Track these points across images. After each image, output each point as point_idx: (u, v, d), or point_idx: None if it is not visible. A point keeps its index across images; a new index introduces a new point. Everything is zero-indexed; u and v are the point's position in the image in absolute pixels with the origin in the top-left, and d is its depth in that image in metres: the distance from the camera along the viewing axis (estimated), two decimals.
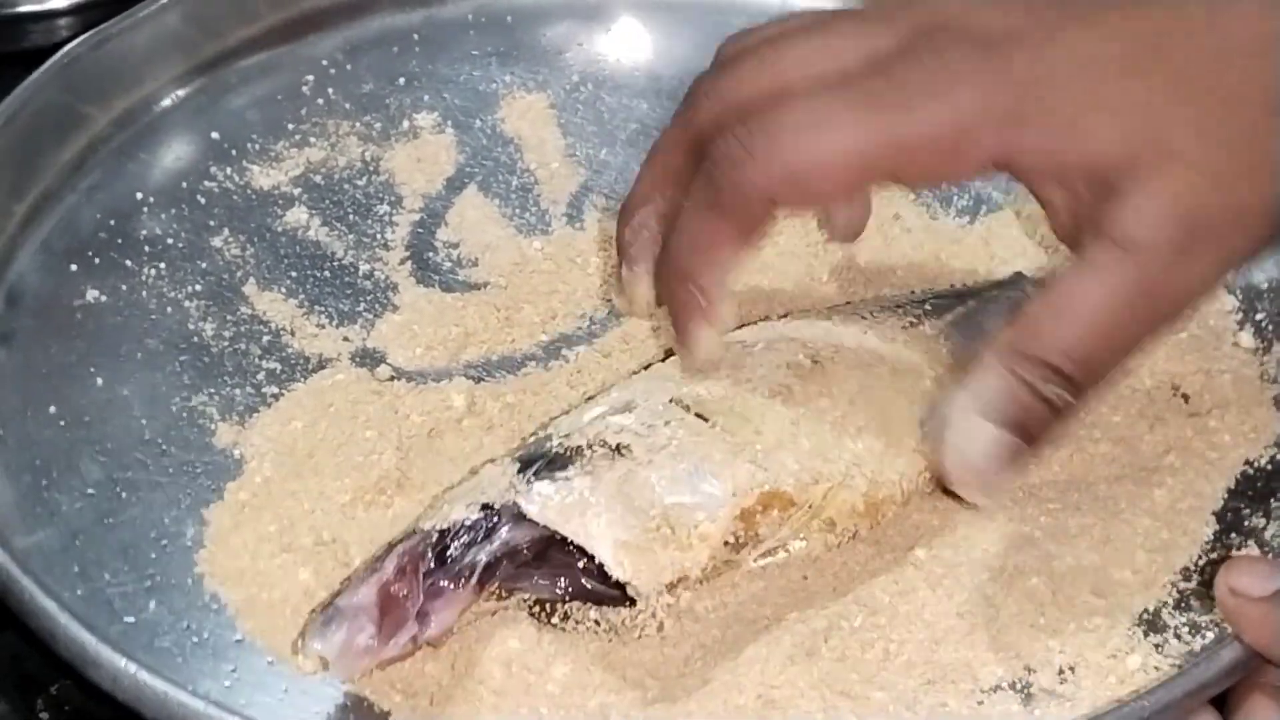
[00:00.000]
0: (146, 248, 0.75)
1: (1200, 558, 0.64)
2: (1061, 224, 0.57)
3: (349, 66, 0.84)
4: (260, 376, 0.71)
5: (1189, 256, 0.55)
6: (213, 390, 0.70)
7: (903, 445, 0.63)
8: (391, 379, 0.71)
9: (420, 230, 0.77)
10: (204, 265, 0.75)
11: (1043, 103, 0.55)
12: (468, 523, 0.58)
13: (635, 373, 0.67)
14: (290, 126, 0.81)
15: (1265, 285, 0.74)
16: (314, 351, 0.72)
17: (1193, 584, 0.63)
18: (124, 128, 0.79)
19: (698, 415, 0.61)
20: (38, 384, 0.69)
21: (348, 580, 0.59)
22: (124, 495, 0.66)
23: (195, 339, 0.72)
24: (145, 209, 0.77)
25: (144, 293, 0.74)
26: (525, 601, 0.60)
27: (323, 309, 0.74)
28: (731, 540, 0.60)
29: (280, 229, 0.77)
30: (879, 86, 0.56)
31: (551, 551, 0.59)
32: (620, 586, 0.59)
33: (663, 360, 0.67)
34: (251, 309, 0.74)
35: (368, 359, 0.72)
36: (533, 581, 0.59)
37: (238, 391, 0.70)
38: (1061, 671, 0.60)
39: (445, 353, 0.72)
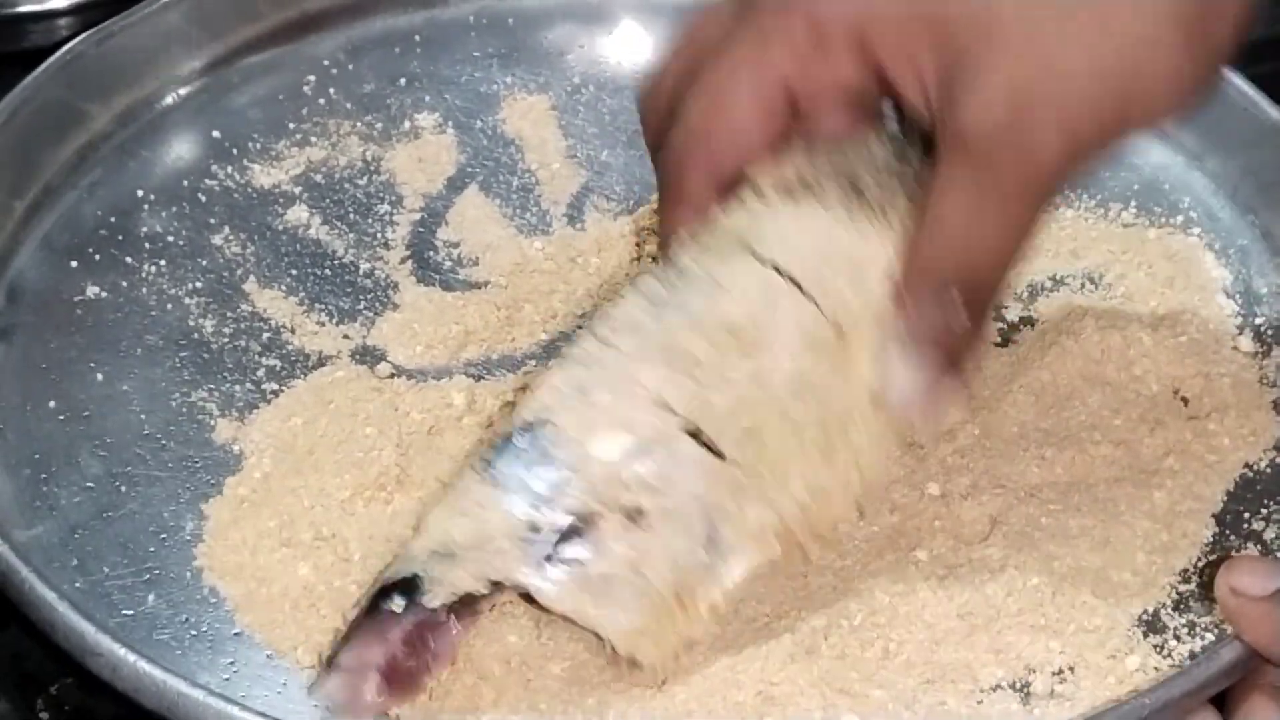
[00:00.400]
0: (147, 245, 0.75)
1: (1199, 560, 0.64)
2: (927, 124, 0.57)
3: (350, 66, 0.84)
4: (260, 373, 0.71)
5: (1023, 136, 0.53)
6: (212, 386, 0.70)
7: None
8: (391, 377, 0.71)
9: (421, 229, 0.77)
10: (204, 263, 0.75)
11: None
12: (476, 594, 0.58)
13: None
14: (291, 126, 0.81)
15: (1265, 290, 0.74)
16: (314, 349, 0.72)
17: (1192, 585, 0.63)
18: (125, 125, 0.79)
19: (711, 451, 0.58)
20: (38, 379, 0.69)
21: (350, 623, 0.59)
22: (123, 490, 0.66)
23: (195, 335, 0.72)
24: (146, 206, 0.77)
25: (144, 289, 0.74)
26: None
27: (323, 307, 0.74)
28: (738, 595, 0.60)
29: (281, 227, 0.77)
30: (740, 27, 0.58)
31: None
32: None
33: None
34: (252, 306, 0.74)
35: (368, 357, 0.72)
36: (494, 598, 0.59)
37: (237, 388, 0.70)
38: (1060, 671, 0.60)
39: (445, 351, 0.72)
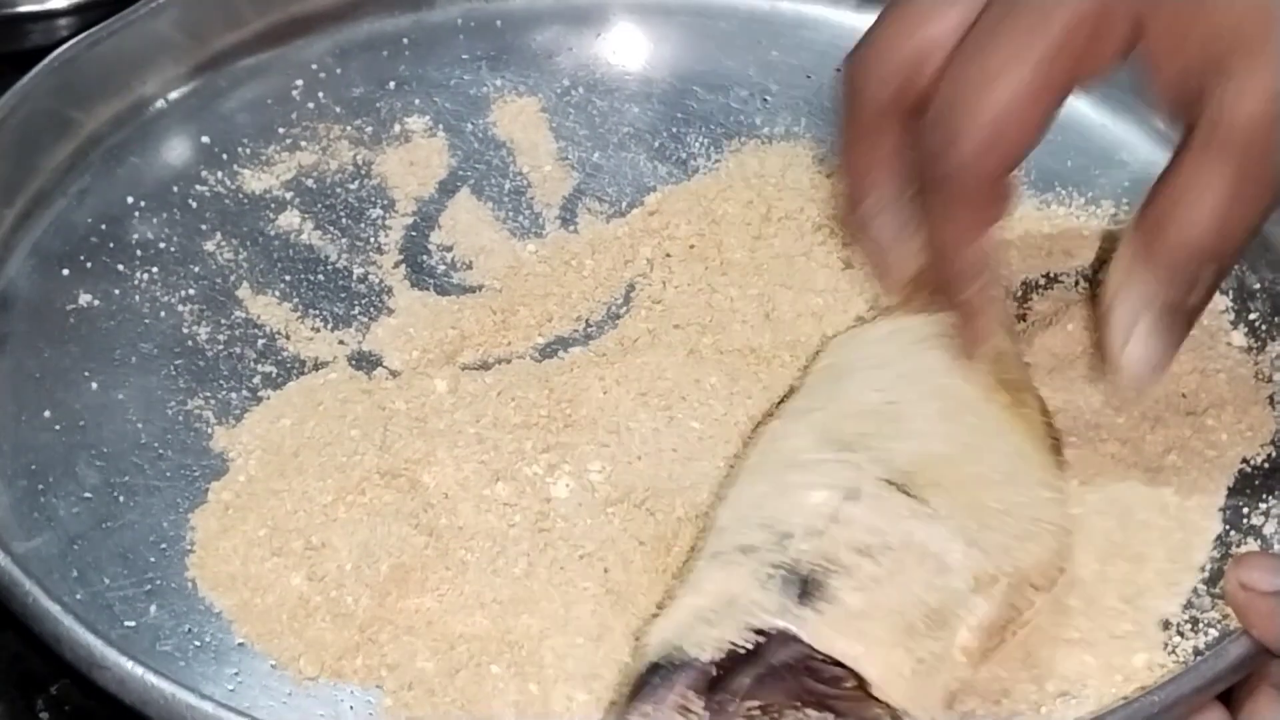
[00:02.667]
0: (139, 252, 0.75)
1: (1214, 556, 0.64)
2: (1173, 99, 0.59)
3: (339, 70, 0.84)
4: (256, 380, 0.71)
5: None
6: (208, 394, 0.70)
7: (1048, 479, 0.63)
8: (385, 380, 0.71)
9: (413, 234, 0.77)
10: (197, 269, 0.75)
11: None
12: (741, 651, 0.55)
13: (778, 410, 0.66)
14: (281, 130, 0.81)
15: (1256, 285, 0.74)
16: (309, 355, 0.72)
17: (1196, 581, 0.63)
18: (114, 132, 0.79)
19: (916, 498, 0.58)
20: (32, 389, 0.69)
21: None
22: (121, 499, 0.66)
23: (189, 343, 0.72)
24: (137, 213, 0.76)
25: (137, 297, 0.73)
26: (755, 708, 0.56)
27: (317, 312, 0.73)
28: (990, 638, 0.59)
29: (273, 233, 0.77)
30: (1009, 14, 0.58)
31: (796, 665, 0.56)
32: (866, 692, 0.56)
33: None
34: (245, 313, 0.73)
35: (363, 362, 0.71)
36: (767, 691, 0.55)
37: (233, 395, 0.70)
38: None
39: (441, 355, 0.72)
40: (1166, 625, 0.62)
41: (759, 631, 0.55)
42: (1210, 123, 0.57)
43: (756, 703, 0.55)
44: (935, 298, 0.64)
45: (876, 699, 0.55)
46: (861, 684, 0.55)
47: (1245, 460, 0.68)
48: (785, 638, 0.55)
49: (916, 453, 0.60)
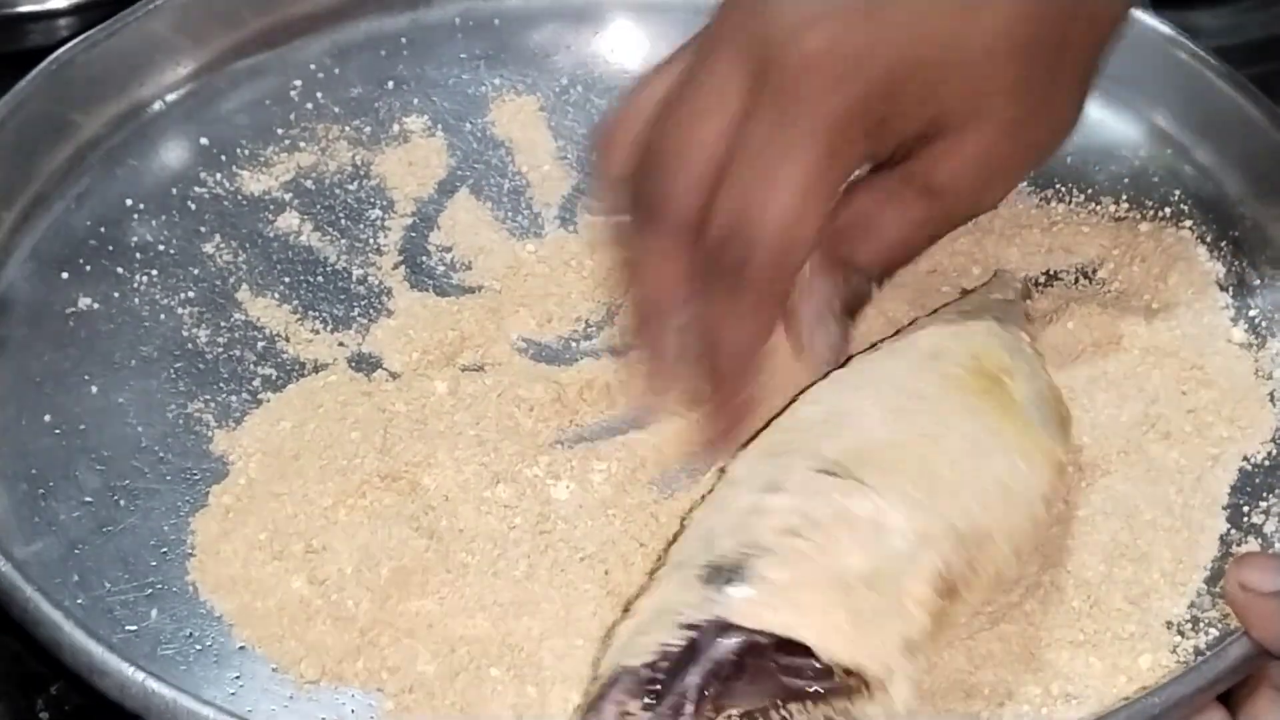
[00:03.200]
0: (138, 254, 0.75)
1: (1217, 555, 0.64)
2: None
3: (337, 70, 0.83)
4: (256, 383, 0.70)
5: (981, 194, 0.66)
6: (208, 397, 0.70)
7: (1027, 449, 0.62)
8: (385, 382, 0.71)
9: (413, 234, 0.77)
10: (196, 271, 0.74)
11: (901, 76, 0.61)
12: (673, 648, 0.55)
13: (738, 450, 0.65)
14: (279, 131, 0.81)
15: (1257, 282, 0.74)
16: (309, 357, 0.72)
17: (1201, 581, 0.63)
18: (113, 134, 0.78)
19: (848, 477, 0.58)
20: (32, 393, 0.69)
21: None
22: (122, 503, 0.66)
23: (189, 346, 0.72)
24: (136, 215, 0.76)
25: (136, 300, 0.73)
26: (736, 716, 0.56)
27: (317, 314, 0.73)
28: (944, 589, 0.57)
29: (272, 234, 0.77)
30: (778, 124, 0.61)
31: (748, 659, 0.55)
32: (847, 673, 0.55)
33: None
34: (245, 315, 0.73)
35: (363, 364, 0.71)
36: (741, 695, 0.55)
37: (234, 398, 0.70)
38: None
39: (441, 357, 0.71)
40: (1171, 626, 0.62)
41: (690, 626, 0.55)
42: (908, 174, 0.63)
43: (736, 711, 0.55)
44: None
45: (852, 674, 0.54)
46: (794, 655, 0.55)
47: (1245, 458, 0.68)
48: (717, 627, 0.55)
49: (850, 444, 0.60)
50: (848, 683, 0.55)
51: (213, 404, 0.69)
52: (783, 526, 0.57)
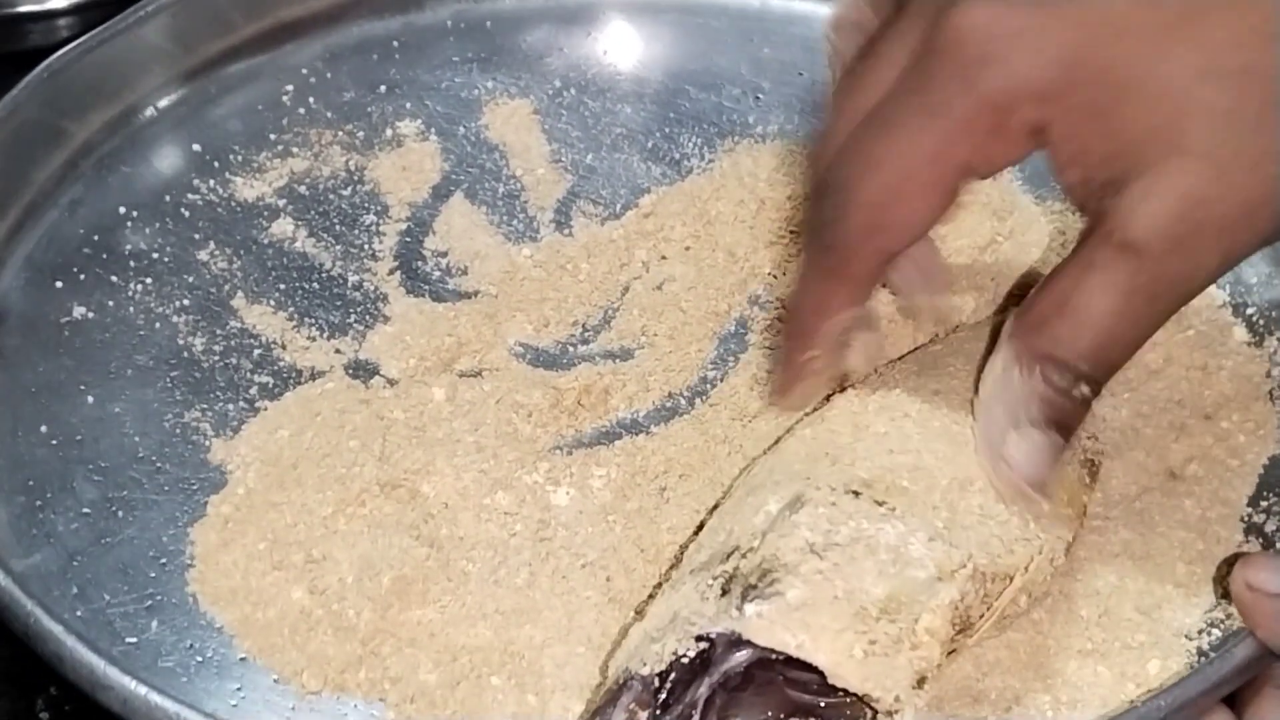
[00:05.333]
0: (132, 262, 0.74)
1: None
2: (1077, 204, 0.57)
3: (329, 75, 0.83)
4: (253, 391, 0.70)
5: (1191, 251, 0.54)
6: (205, 406, 0.69)
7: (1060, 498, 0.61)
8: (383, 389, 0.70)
9: (408, 239, 0.77)
10: (191, 279, 0.74)
11: (1074, 76, 0.54)
12: (685, 659, 0.55)
13: (766, 451, 0.65)
14: (272, 137, 0.80)
15: (1255, 280, 0.74)
16: (306, 364, 0.71)
17: (1217, 593, 0.63)
18: (105, 141, 0.78)
19: (875, 502, 0.58)
20: (28, 403, 0.69)
21: None
22: (120, 514, 0.65)
23: (185, 354, 0.71)
24: (129, 223, 0.76)
25: (131, 308, 0.73)
26: None
27: (313, 321, 0.73)
28: (959, 624, 0.57)
29: (266, 241, 0.76)
30: (916, 92, 0.56)
31: (755, 671, 0.55)
32: (854, 696, 0.55)
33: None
34: (241, 323, 0.73)
35: (360, 371, 0.71)
36: (746, 707, 0.55)
37: (230, 407, 0.69)
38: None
39: (438, 363, 0.71)
40: (1183, 636, 0.61)
41: (702, 638, 0.55)
42: (1106, 232, 0.54)
43: (712, 717, 0.55)
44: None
45: (860, 698, 0.54)
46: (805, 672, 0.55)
47: (1264, 466, 0.67)
48: (729, 641, 0.55)
49: (880, 465, 0.59)
50: (851, 704, 0.54)
51: (210, 413, 0.69)
52: (804, 544, 0.56)
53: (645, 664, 0.55)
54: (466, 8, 0.86)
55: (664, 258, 0.76)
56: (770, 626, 0.54)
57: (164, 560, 0.64)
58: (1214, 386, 0.70)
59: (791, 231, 0.76)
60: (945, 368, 0.64)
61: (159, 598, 0.63)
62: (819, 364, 0.63)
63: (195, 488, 0.66)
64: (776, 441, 0.65)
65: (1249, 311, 0.73)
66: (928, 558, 0.56)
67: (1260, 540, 0.65)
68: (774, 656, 0.54)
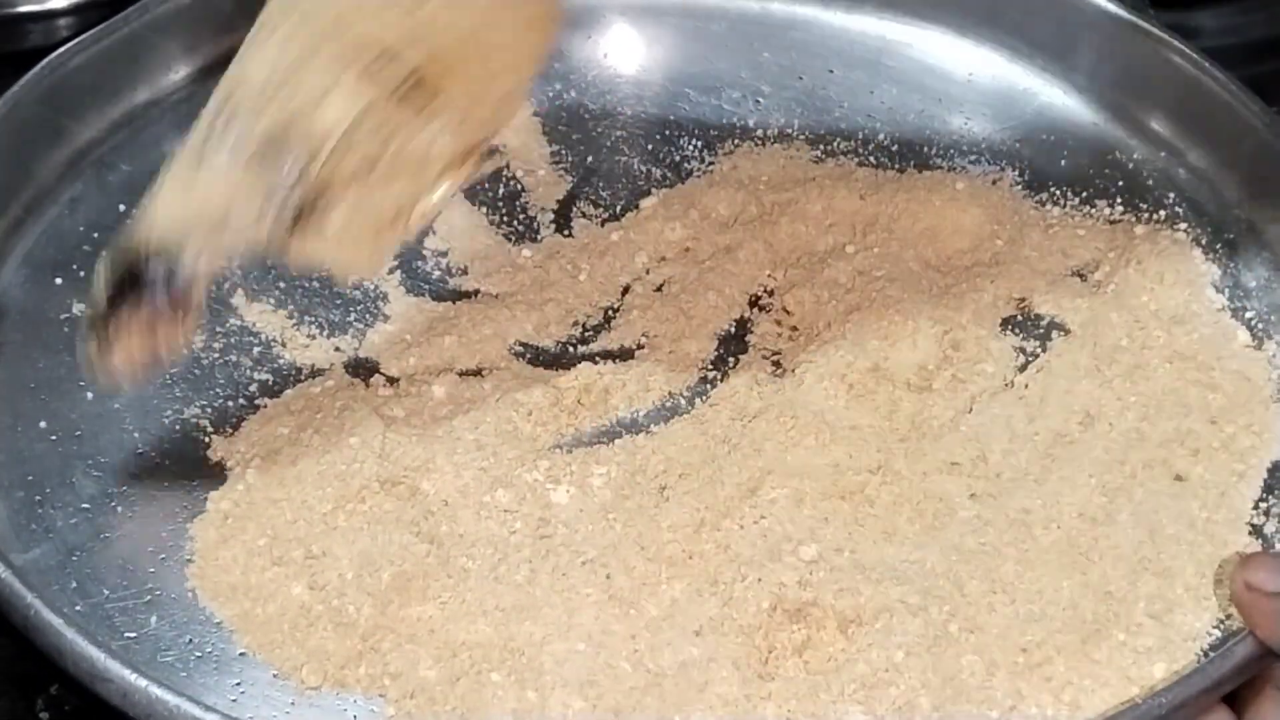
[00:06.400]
0: None
1: None
2: None
3: None
4: (253, 388, 0.70)
5: None
6: (205, 403, 0.69)
7: None
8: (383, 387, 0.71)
9: (408, 239, 0.76)
10: None
11: None
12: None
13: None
14: None
15: (1253, 284, 0.74)
16: (305, 362, 0.71)
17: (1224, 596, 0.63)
18: (106, 139, 0.78)
19: (425, 96, 0.61)
20: (27, 399, 0.69)
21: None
22: (120, 510, 0.65)
23: (185, 351, 0.71)
24: (129, 221, 0.75)
25: None
26: None
27: (313, 319, 0.73)
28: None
29: None
30: None
31: None
32: None
33: None
34: (241, 320, 0.73)
35: (361, 369, 0.71)
36: None
37: (230, 404, 0.70)
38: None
39: (438, 362, 0.71)
40: (1192, 639, 0.61)
41: None
42: None
43: None
44: None
45: None
46: None
47: (1269, 470, 0.68)
48: None
49: (432, 37, 0.61)
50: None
51: (209, 410, 0.69)
52: (353, 170, 0.60)
53: (193, 263, 0.59)
54: None
55: (664, 259, 0.76)
56: (306, 255, 0.60)
57: (163, 556, 0.64)
58: (1217, 390, 0.70)
59: (790, 234, 0.76)
60: None
61: (158, 593, 0.63)
62: None
63: (195, 484, 0.66)
64: None
65: (1248, 315, 0.73)
66: (441, 154, 0.61)
67: (1260, 540, 0.65)
68: None
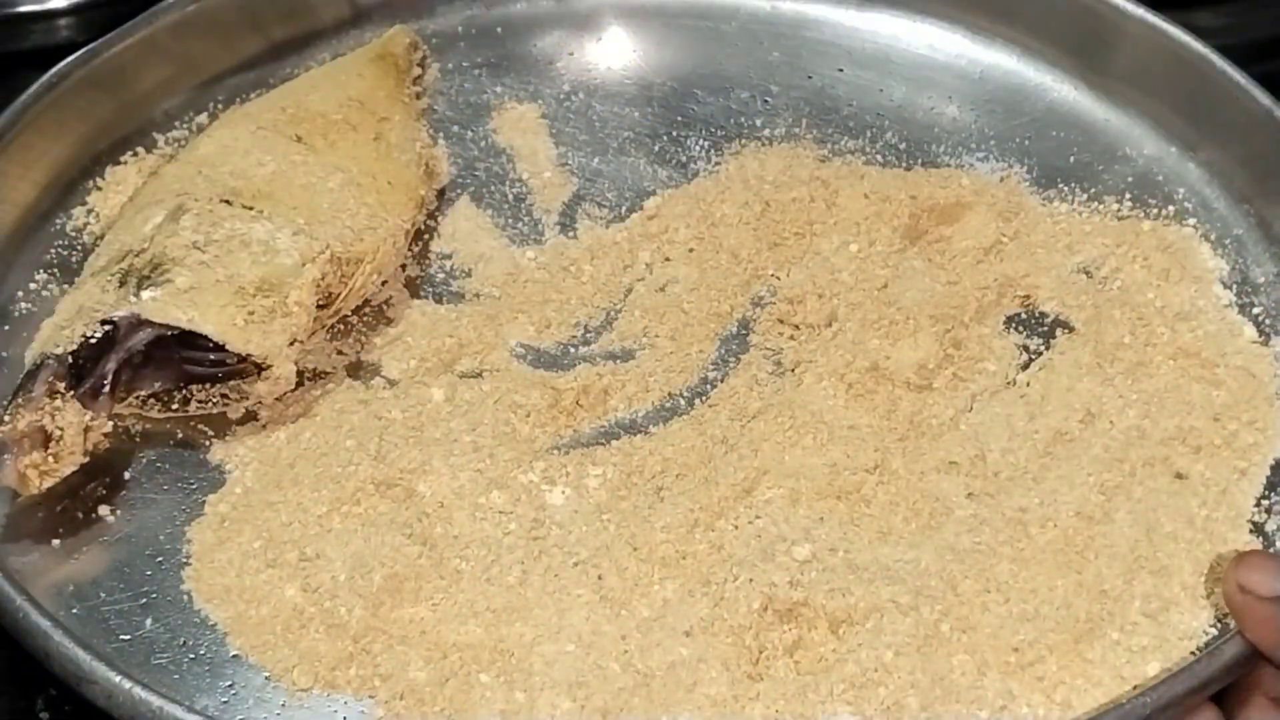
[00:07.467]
0: None
1: None
2: None
3: None
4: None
5: None
6: (205, 405, 0.70)
7: (397, 186, 0.75)
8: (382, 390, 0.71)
9: (413, 242, 0.77)
10: None
11: None
12: (93, 340, 0.65)
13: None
14: None
15: (1262, 280, 0.73)
16: (307, 365, 0.72)
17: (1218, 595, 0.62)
18: (112, 149, 0.78)
19: (244, 207, 0.70)
20: None
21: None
22: (118, 512, 0.66)
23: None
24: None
25: None
26: (141, 398, 0.68)
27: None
28: (322, 300, 0.69)
29: None
30: None
31: (156, 350, 0.66)
32: (241, 360, 0.66)
33: None
34: None
35: (362, 372, 0.71)
36: (148, 380, 0.67)
37: (231, 406, 0.70)
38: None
39: (439, 364, 0.71)
40: (1188, 639, 0.61)
41: (106, 322, 0.65)
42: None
43: (145, 392, 0.67)
44: None
45: (246, 359, 0.66)
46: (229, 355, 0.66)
47: (1271, 467, 0.67)
48: (130, 323, 0.65)
49: (247, 176, 0.71)
50: (240, 368, 0.67)
51: (210, 412, 0.69)
52: (189, 243, 0.68)
53: (59, 346, 0.65)
54: (477, 13, 0.86)
55: (667, 260, 0.76)
56: (164, 307, 0.66)
57: (160, 558, 0.64)
58: (1221, 387, 0.69)
59: (795, 234, 0.76)
60: (303, 92, 0.77)
61: (154, 595, 0.63)
62: None
63: (194, 487, 0.67)
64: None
65: (1255, 311, 0.72)
66: (293, 248, 0.69)
67: (1260, 538, 0.64)
68: (170, 334, 0.66)
